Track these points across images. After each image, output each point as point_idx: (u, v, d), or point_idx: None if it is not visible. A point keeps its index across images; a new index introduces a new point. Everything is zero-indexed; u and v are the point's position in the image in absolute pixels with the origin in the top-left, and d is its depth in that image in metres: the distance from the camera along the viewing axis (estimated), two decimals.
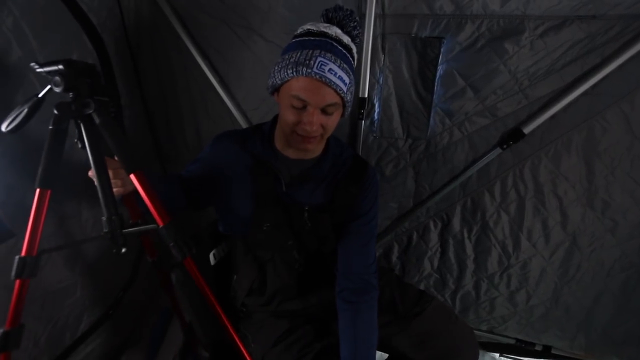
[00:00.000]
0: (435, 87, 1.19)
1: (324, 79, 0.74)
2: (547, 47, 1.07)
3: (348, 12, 0.83)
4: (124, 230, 0.80)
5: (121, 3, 1.23)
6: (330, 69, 0.75)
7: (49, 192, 0.73)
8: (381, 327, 1.01)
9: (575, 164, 1.18)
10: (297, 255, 0.97)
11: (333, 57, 0.76)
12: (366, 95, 1.23)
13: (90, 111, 0.72)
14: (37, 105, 0.71)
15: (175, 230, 0.77)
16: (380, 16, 1.13)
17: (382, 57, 1.19)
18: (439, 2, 1.08)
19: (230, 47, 1.28)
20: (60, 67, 0.68)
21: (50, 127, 0.71)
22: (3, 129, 0.71)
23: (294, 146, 0.87)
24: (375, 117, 1.29)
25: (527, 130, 1.16)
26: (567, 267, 1.33)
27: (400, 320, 1.01)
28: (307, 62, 0.74)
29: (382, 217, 1.47)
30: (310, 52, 0.76)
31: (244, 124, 1.40)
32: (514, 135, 1.19)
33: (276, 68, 0.81)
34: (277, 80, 0.80)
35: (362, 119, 1.28)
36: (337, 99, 0.79)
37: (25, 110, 0.70)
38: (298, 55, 0.76)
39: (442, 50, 1.13)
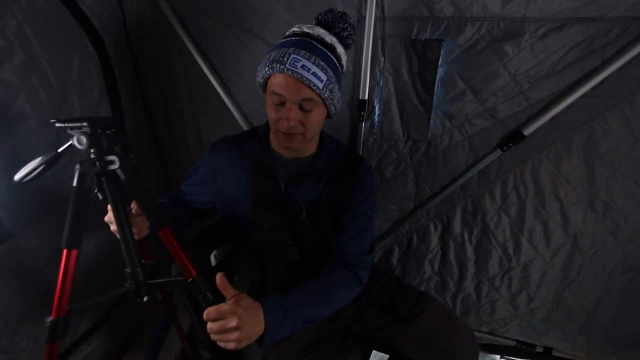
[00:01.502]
0: (436, 89, 1.19)
1: (296, 74, 0.77)
2: (547, 49, 1.07)
3: (339, 14, 0.85)
4: (148, 282, 0.81)
5: (123, 6, 1.24)
6: (303, 65, 0.77)
7: (75, 251, 0.72)
8: (381, 327, 1.02)
9: (575, 166, 1.18)
10: (297, 255, 0.98)
11: (307, 54, 0.78)
12: (366, 98, 1.24)
13: (115, 167, 0.71)
14: (55, 160, 0.70)
15: (202, 283, 0.78)
16: (380, 19, 1.14)
17: (382, 59, 1.20)
18: (438, 4, 1.08)
19: (231, 50, 1.29)
20: (85, 124, 0.66)
21: (74, 185, 0.69)
22: (16, 178, 0.69)
23: (280, 144, 0.89)
24: (376, 119, 1.29)
25: (527, 132, 1.16)
26: (569, 270, 1.32)
27: (400, 321, 1.01)
28: (281, 59, 0.77)
29: (382, 219, 1.47)
30: (286, 49, 0.79)
31: (244, 126, 1.40)
32: (514, 137, 1.18)
33: (259, 69, 0.85)
34: (259, 79, 0.85)
35: (363, 121, 1.28)
36: (312, 95, 0.80)
37: (43, 166, 0.69)
38: (275, 53, 0.80)
39: (442, 52, 1.14)
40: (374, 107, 1.28)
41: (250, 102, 1.39)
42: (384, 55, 1.19)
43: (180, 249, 0.78)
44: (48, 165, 0.69)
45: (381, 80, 1.23)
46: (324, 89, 0.81)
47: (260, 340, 0.72)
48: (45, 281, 1.03)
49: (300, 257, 0.98)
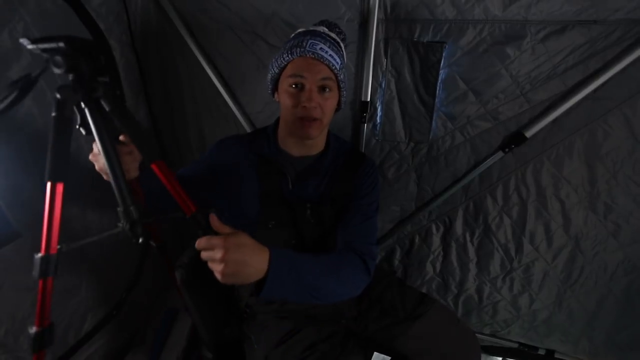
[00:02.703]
0: (437, 91, 1.20)
1: (316, 55, 0.83)
2: (549, 52, 1.08)
3: (333, 23, 0.97)
4: (145, 220, 0.74)
5: (128, 8, 1.25)
6: (321, 48, 0.84)
7: (61, 185, 0.66)
8: (383, 329, 1.02)
9: (577, 167, 1.19)
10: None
11: (322, 40, 0.86)
12: (369, 99, 1.25)
13: (98, 95, 0.64)
14: (29, 86, 0.61)
15: (202, 217, 0.72)
16: (383, 21, 1.15)
17: (384, 61, 1.21)
18: (440, 7, 1.09)
19: (235, 52, 1.30)
20: (61, 44, 0.58)
21: (53, 115, 0.62)
22: None
23: (296, 134, 0.90)
24: (378, 120, 1.30)
25: (529, 134, 1.17)
26: (570, 271, 1.33)
27: (401, 323, 1.01)
28: (300, 44, 0.84)
29: (384, 220, 1.48)
30: (302, 37, 0.86)
31: (247, 127, 1.41)
32: (516, 139, 1.19)
33: (273, 61, 0.90)
34: (275, 69, 0.89)
35: (365, 123, 1.29)
36: (331, 75, 0.86)
37: (16, 92, 0.60)
38: (292, 42, 0.86)
39: (444, 54, 1.14)
40: (376, 109, 1.29)
41: (253, 104, 1.39)
42: (386, 57, 1.20)
43: (176, 184, 0.72)
44: (21, 92, 0.60)
45: (383, 82, 1.24)
46: (340, 71, 0.87)
47: (259, 287, 0.70)
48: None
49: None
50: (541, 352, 1.52)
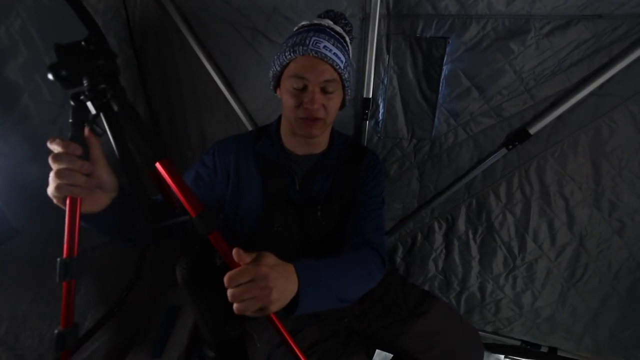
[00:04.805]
0: (440, 87, 1.19)
1: (319, 54, 0.78)
2: (553, 47, 1.06)
3: (338, 13, 0.92)
4: (161, 225, 0.69)
5: (127, 4, 1.24)
6: (325, 46, 0.79)
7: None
8: (385, 327, 1.02)
9: (582, 164, 1.17)
10: (302, 255, 0.97)
11: (326, 37, 0.81)
12: (370, 96, 1.23)
13: (107, 98, 0.60)
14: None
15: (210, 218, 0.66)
16: (385, 16, 1.13)
17: (386, 57, 1.19)
18: (443, 2, 1.07)
19: (235, 48, 1.29)
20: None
21: (70, 121, 0.60)
22: None
23: (299, 134, 0.88)
24: (380, 117, 1.28)
25: (533, 130, 1.16)
26: (574, 269, 1.32)
27: (404, 320, 1.01)
28: (303, 41, 0.79)
29: (386, 217, 1.46)
30: (305, 34, 0.81)
31: (248, 125, 1.40)
32: (519, 136, 1.18)
33: (275, 58, 0.86)
34: (277, 67, 0.85)
35: (367, 120, 1.28)
36: (335, 75, 0.82)
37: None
38: (295, 39, 0.81)
39: (447, 50, 1.13)
40: (378, 106, 1.27)
41: (254, 101, 1.38)
42: (388, 53, 1.18)
43: (183, 183, 0.66)
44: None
45: (385, 78, 1.22)
46: (345, 70, 0.83)
47: (290, 308, 0.63)
48: (50, 278, 1.03)
49: (305, 257, 0.98)
50: (544, 349, 1.52)
